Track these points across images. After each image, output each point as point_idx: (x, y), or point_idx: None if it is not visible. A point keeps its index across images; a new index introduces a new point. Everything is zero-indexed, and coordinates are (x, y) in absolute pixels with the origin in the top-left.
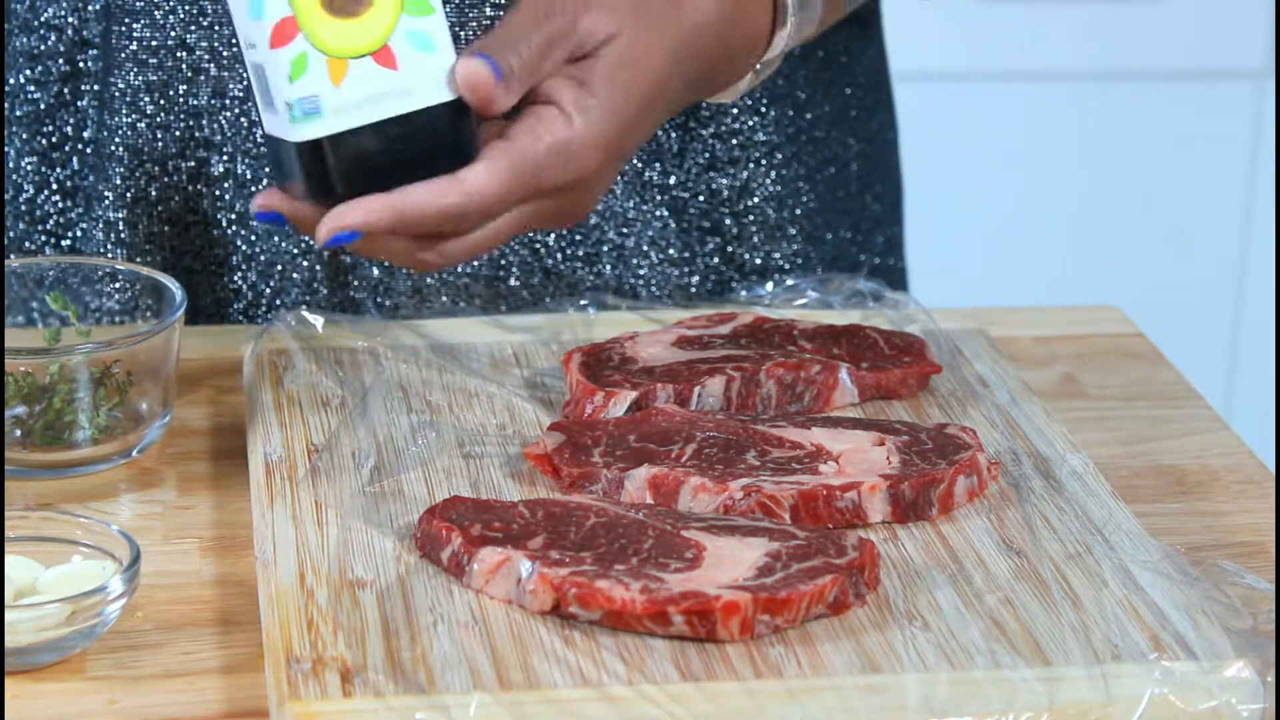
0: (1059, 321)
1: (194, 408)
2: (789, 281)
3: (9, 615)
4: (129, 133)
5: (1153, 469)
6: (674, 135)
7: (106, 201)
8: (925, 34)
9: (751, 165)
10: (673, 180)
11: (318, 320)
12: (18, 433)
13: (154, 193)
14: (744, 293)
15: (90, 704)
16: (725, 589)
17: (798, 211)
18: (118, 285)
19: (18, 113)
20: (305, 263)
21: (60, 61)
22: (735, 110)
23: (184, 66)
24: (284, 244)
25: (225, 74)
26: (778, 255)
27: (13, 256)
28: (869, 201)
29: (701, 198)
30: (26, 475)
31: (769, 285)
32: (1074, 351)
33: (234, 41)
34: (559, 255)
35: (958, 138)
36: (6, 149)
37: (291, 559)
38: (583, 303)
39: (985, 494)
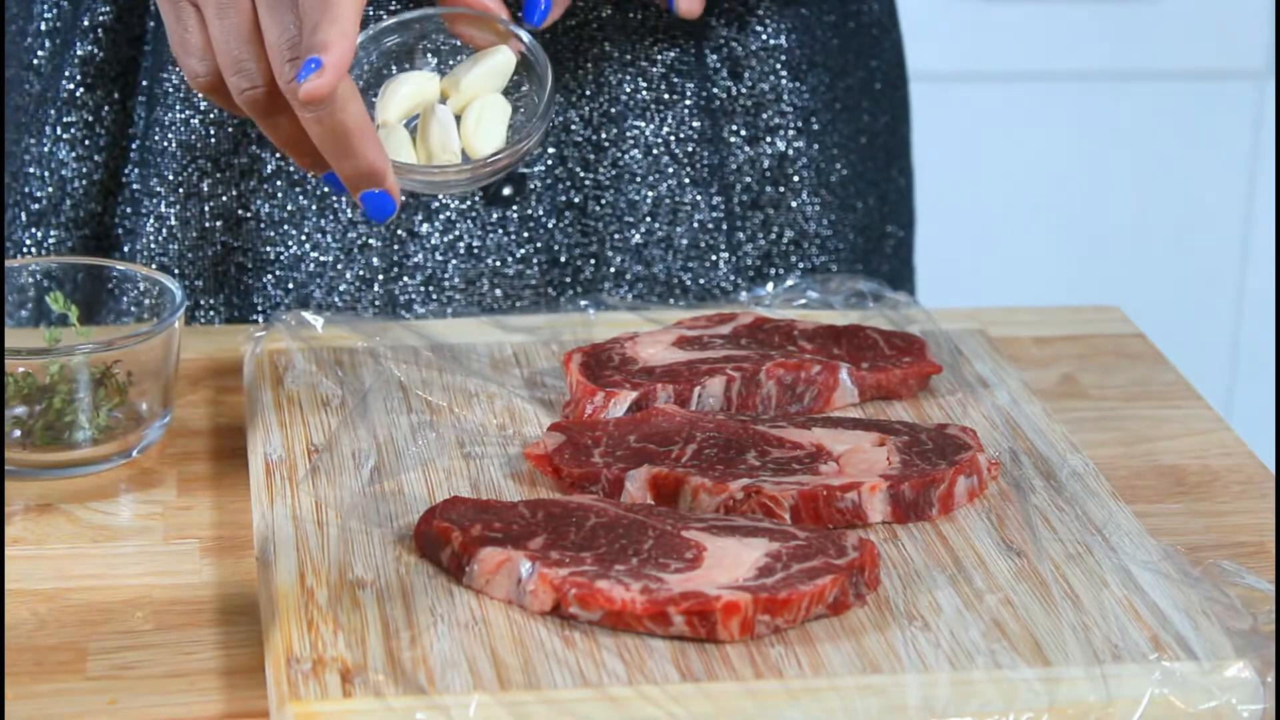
0: (1059, 321)
1: (194, 408)
2: (789, 281)
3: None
4: (182, 129)
5: (1153, 469)
6: (719, 105)
7: (158, 197)
8: (925, 34)
9: (792, 132)
10: (720, 159)
11: (318, 320)
12: (18, 433)
13: (206, 189)
14: (744, 293)
15: (90, 704)
16: (725, 589)
17: (832, 179)
18: (119, 285)
19: (67, 119)
20: (361, 257)
21: (114, 63)
22: (779, 68)
23: None
24: (336, 241)
25: None
26: (813, 223)
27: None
28: (895, 175)
29: (747, 174)
30: (26, 475)
31: (769, 285)
32: (1074, 352)
33: None
34: (608, 242)
35: (957, 138)
36: (56, 152)
37: (291, 559)
38: (583, 303)
39: (985, 494)
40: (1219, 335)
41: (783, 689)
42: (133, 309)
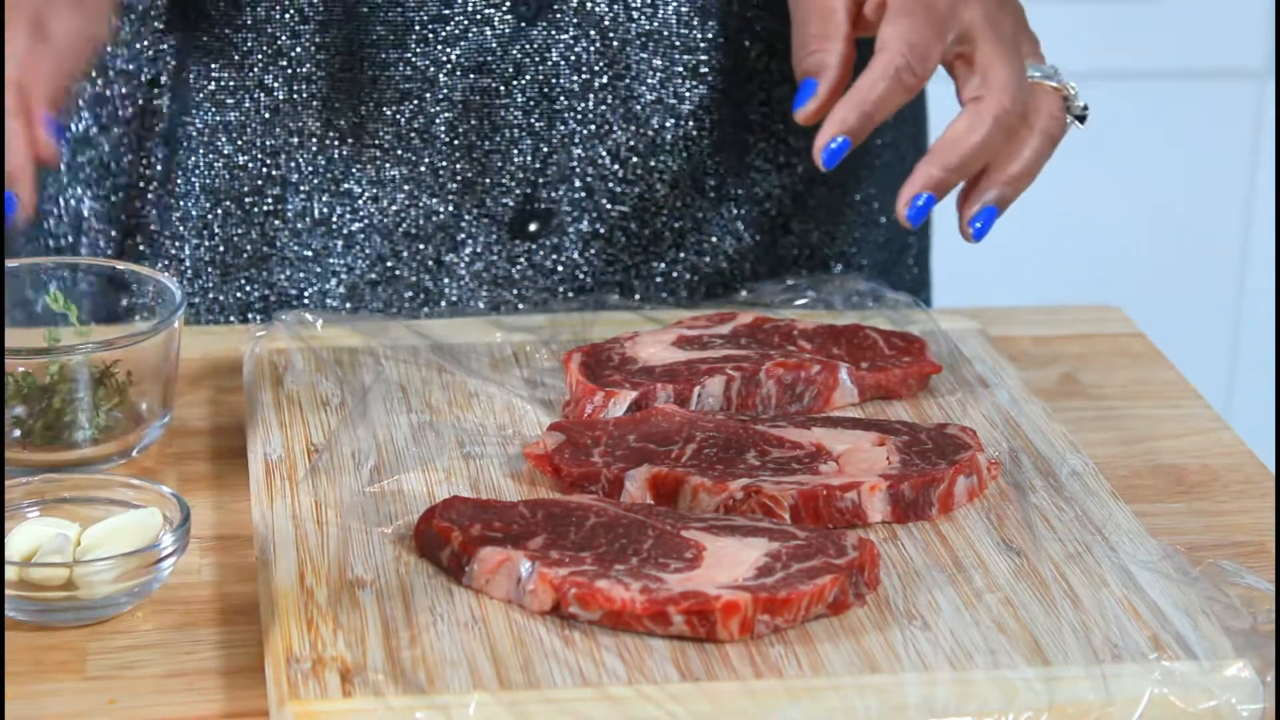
0: (1059, 321)
1: (194, 408)
2: (789, 281)
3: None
4: (206, 172)
5: (1153, 469)
6: (746, 134)
7: (181, 239)
8: None
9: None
10: (747, 187)
11: (317, 320)
12: (17, 433)
13: (229, 229)
14: (744, 293)
15: (90, 704)
16: (725, 589)
17: (856, 197)
18: (120, 286)
19: (81, 158)
20: (389, 289)
21: (128, 105)
22: None
23: (262, 107)
24: (360, 277)
25: (304, 112)
26: (840, 242)
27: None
28: None
29: (773, 200)
30: (26, 475)
31: (768, 283)
32: (1074, 351)
33: (313, 80)
34: (634, 272)
35: None
36: (71, 189)
37: (291, 559)
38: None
39: (985, 494)
40: (1219, 335)
41: (783, 689)
42: (134, 310)
